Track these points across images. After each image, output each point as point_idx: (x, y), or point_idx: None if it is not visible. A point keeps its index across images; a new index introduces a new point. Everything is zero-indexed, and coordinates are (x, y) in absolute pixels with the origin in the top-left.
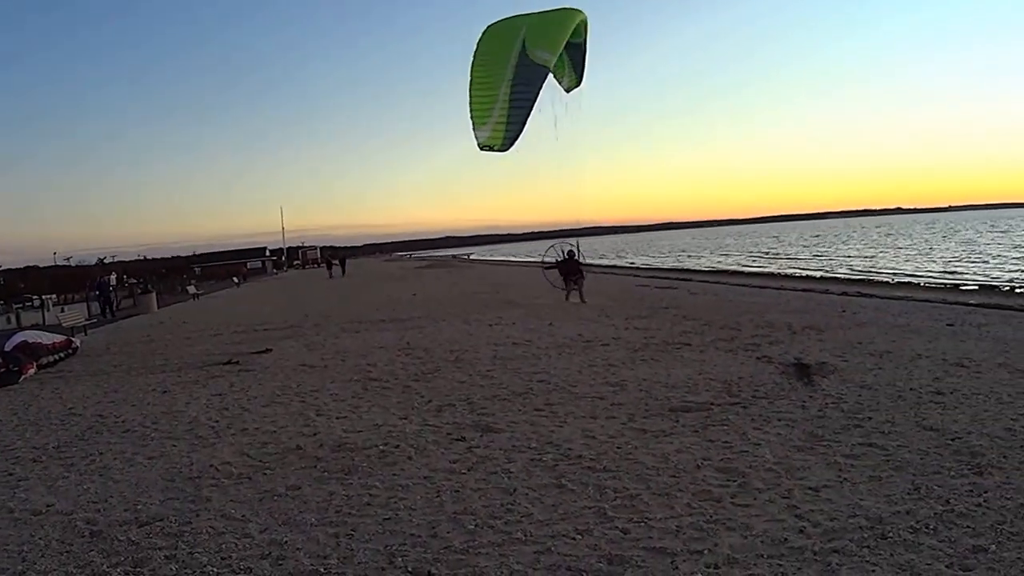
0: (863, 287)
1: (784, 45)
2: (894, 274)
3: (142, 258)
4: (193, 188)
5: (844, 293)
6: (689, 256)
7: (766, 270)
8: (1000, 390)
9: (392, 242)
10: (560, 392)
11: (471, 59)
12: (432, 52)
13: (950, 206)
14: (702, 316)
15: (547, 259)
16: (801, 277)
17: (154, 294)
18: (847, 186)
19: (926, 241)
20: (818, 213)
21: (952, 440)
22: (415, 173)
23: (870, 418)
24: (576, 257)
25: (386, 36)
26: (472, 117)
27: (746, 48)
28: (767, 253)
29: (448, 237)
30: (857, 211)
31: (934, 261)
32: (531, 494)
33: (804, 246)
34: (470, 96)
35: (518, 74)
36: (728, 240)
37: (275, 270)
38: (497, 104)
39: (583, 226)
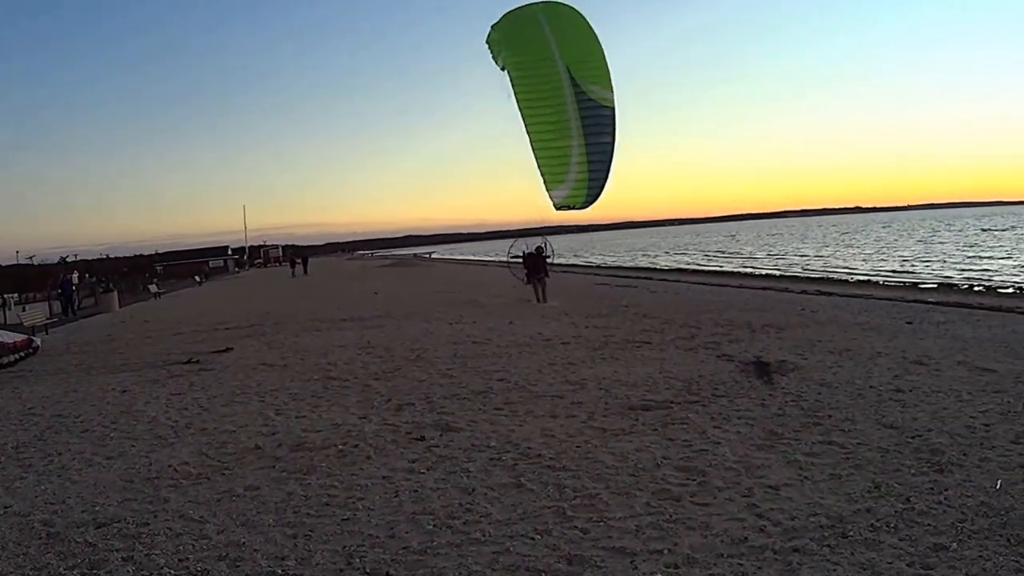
0: (822, 285)
1: (744, 51)
2: (853, 272)
3: (105, 257)
4: (156, 187)
5: (803, 291)
6: (645, 255)
7: (725, 269)
8: (960, 388)
9: (354, 241)
10: (520, 391)
11: (513, 91)
12: (402, 52)
13: (908, 205)
14: (662, 314)
15: (513, 254)
16: (760, 275)
17: (115, 293)
18: (805, 185)
19: (882, 239)
20: (776, 212)
21: (912, 438)
22: (378, 173)
23: (830, 416)
24: (544, 254)
25: (356, 35)
26: (545, 178)
27: (706, 53)
28: (724, 252)
29: (410, 236)
30: (815, 210)
31: (892, 259)
32: (490, 494)
33: (763, 245)
34: (537, 154)
35: (586, 121)
36: (685, 239)
37: (237, 269)
38: (572, 160)
39: (544, 225)
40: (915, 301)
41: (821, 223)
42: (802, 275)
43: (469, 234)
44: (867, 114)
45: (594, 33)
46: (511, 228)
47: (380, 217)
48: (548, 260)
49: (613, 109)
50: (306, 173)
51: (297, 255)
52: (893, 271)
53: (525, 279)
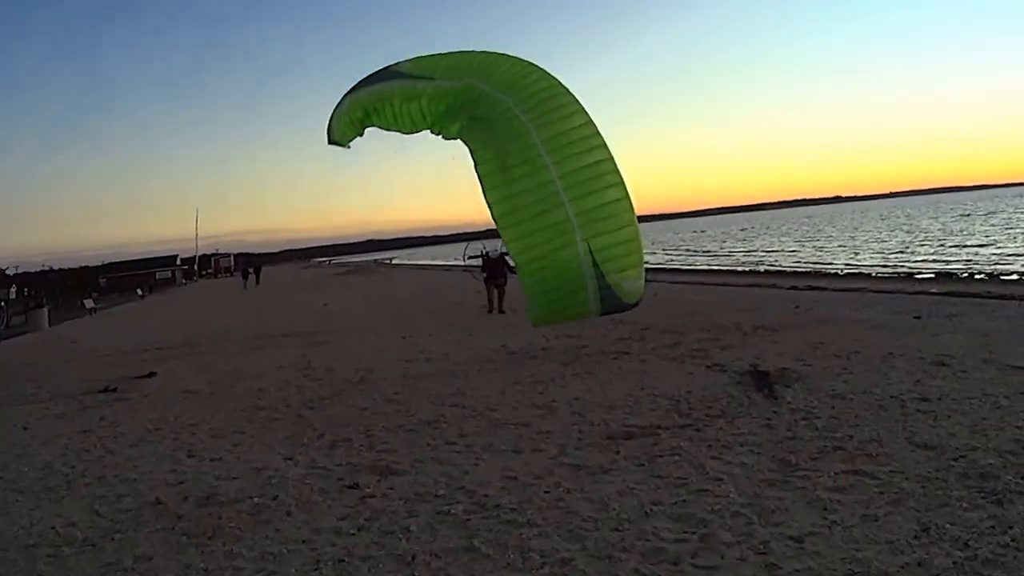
0: (813, 279)
1: (728, 43)
2: (844, 264)
3: (48, 268)
4: (106, 192)
5: (793, 287)
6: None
7: (707, 266)
8: (994, 391)
9: (312, 247)
10: (477, 419)
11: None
12: (360, 47)
13: (891, 192)
14: (640, 319)
15: (469, 256)
16: (745, 272)
17: (46, 309)
18: (783, 176)
19: (859, 229)
20: (753, 205)
21: (955, 460)
22: (337, 176)
23: (851, 436)
24: (506, 256)
25: (317, 34)
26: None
27: (687, 50)
28: (703, 250)
29: (371, 241)
30: (795, 200)
31: (882, 250)
32: (434, 563)
33: (742, 240)
34: (544, 301)
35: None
36: (653, 235)
37: (184, 280)
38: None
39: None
40: (917, 293)
41: (802, 213)
42: (789, 270)
43: (432, 236)
44: (838, 102)
45: (620, 173)
46: (477, 229)
47: (340, 221)
48: (509, 260)
49: (639, 301)
50: (262, 176)
51: (249, 264)
52: (893, 260)
53: (484, 284)
